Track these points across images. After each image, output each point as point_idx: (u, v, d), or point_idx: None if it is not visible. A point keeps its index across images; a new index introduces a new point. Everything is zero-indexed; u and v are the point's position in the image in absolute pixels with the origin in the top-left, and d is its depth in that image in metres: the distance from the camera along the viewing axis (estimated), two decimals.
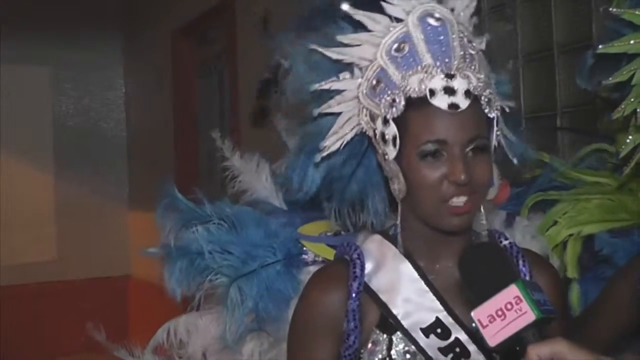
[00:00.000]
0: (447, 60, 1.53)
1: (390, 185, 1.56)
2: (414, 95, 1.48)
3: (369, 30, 1.60)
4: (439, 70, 1.50)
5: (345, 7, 1.62)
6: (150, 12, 5.90)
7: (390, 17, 1.58)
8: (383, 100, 1.53)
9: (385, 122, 1.52)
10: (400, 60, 1.54)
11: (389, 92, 1.53)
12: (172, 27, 5.42)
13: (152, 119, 5.96)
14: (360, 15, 1.60)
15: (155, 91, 5.85)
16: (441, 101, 1.46)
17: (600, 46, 1.85)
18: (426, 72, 1.50)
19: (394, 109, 1.50)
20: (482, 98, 1.51)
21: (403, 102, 1.49)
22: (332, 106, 1.61)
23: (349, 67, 1.62)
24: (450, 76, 1.49)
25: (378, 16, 1.59)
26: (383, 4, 1.56)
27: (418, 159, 1.49)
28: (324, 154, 1.61)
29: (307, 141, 1.66)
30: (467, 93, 1.48)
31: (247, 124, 4.35)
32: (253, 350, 1.87)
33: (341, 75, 1.61)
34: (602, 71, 1.88)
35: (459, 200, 1.47)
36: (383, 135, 1.53)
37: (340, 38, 1.62)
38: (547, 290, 1.54)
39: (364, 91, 1.58)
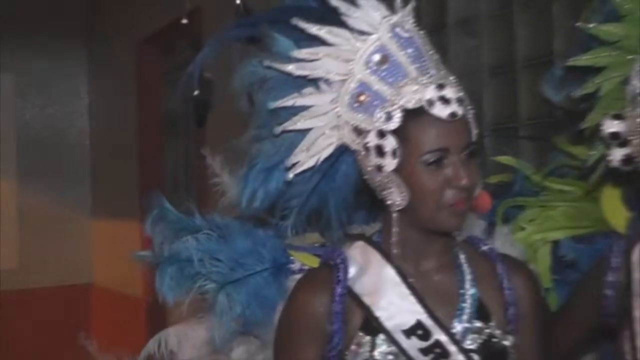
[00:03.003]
0: (430, 70, 1.58)
1: (384, 196, 1.60)
2: (410, 107, 1.52)
3: (328, 44, 1.62)
4: (429, 81, 1.55)
5: (299, 22, 1.64)
6: (116, 21, 5.92)
7: (350, 30, 1.61)
8: (376, 114, 1.56)
9: (382, 135, 1.55)
10: (385, 73, 1.58)
11: (381, 105, 1.56)
12: (137, 37, 5.44)
13: (116, 128, 5.98)
14: (317, 29, 1.63)
15: (120, 100, 5.86)
16: (440, 111, 1.51)
17: (569, 59, 1.90)
18: (417, 83, 1.54)
19: (392, 122, 1.53)
20: (467, 105, 1.58)
21: (400, 115, 1.53)
22: (297, 122, 1.63)
23: (310, 82, 1.63)
24: (441, 86, 1.54)
25: (337, 30, 1.62)
26: (345, 17, 1.59)
27: (422, 167, 1.54)
28: (298, 170, 1.64)
29: (259, 158, 1.69)
30: (459, 100, 1.54)
31: (212, 133, 4.40)
32: (241, 354, 1.89)
33: (304, 91, 1.63)
34: (570, 83, 1.93)
35: (460, 201, 1.54)
36: (379, 148, 1.55)
37: (297, 53, 1.64)
38: (523, 293, 1.66)
39: (344, 106, 1.61)
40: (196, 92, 2.72)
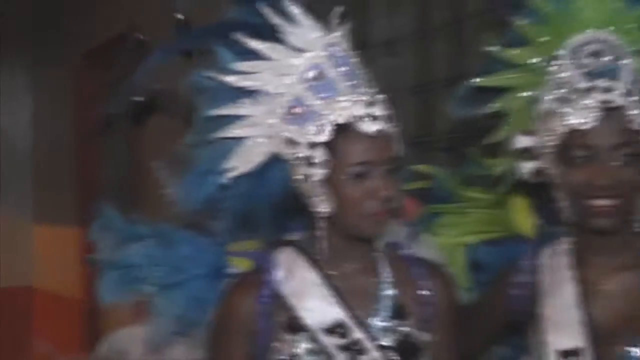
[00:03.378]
0: (361, 88, 1.68)
1: (311, 203, 1.69)
2: (340, 121, 1.62)
3: (267, 59, 1.71)
4: (359, 98, 1.65)
5: (240, 37, 1.73)
6: (58, 36, 6.05)
7: (288, 46, 1.70)
8: (308, 127, 1.66)
9: (312, 146, 1.64)
10: (318, 89, 1.68)
11: (314, 119, 1.65)
12: (79, 49, 5.60)
13: (57, 135, 6.12)
14: (257, 45, 1.72)
15: (61, 109, 6.01)
16: (368, 127, 1.61)
17: (476, 79, 1.99)
18: (348, 100, 1.65)
19: (322, 135, 1.64)
20: (392, 122, 1.68)
21: (330, 129, 1.63)
22: (233, 130, 1.72)
23: (248, 93, 1.72)
24: (370, 104, 1.65)
25: (276, 46, 1.71)
26: (283, 34, 1.69)
27: (347, 179, 1.64)
28: (232, 175, 1.73)
29: (197, 163, 1.78)
30: (385, 118, 1.65)
31: (152, 140, 4.48)
32: (180, 353, 1.96)
33: (242, 102, 1.72)
34: (478, 101, 2.01)
35: (380, 211, 1.65)
36: (309, 159, 1.65)
37: (237, 66, 1.73)
38: (440, 294, 1.81)
39: (278, 117, 1.70)
40: (137, 98, 2.78)
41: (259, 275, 1.75)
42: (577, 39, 1.84)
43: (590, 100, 1.76)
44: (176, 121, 1.89)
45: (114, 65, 5.19)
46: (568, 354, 1.80)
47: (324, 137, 1.65)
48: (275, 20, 1.73)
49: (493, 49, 1.98)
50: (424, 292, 1.79)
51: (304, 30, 1.72)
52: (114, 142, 5.39)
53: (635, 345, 1.75)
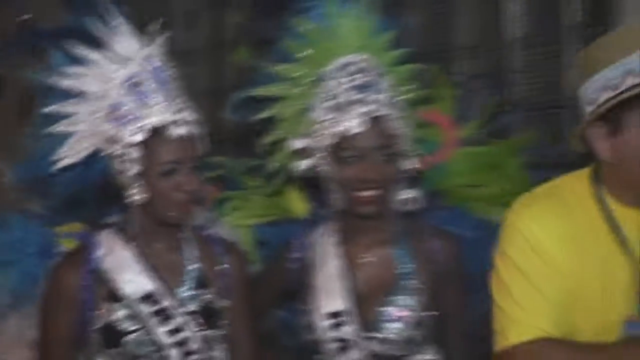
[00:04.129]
0: (173, 96, 1.89)
1: (128, 193, 1.87)
2: (154, 125, 1.81)
3: (94, 65, 1.87)
4: (170, 104, 1.84)
5: (73, 42, 1.87)
6: None
7: (112, 55, 1.87)
8: (126, 128, 1.83)
9: (129, 145, 1.82)
10: (137, 94, 1.85)
11: (131, 121, 1.83)
12: None
13: None
14: (86, 52, 1.88)
15: None
16: (177, 130, 1.82)
17: (252, 89, 2.16)
18: (161, 106, 1.84)
19: (138, 136, 1.82)
20: (197, 126, 1.91)
21: (145, 131, 1.82)
22: (63, 126, 1.87)
23: (77, 94, 1.87)
24: (180, 109, 1.86)
25: (102, 53, 1.88)
26: (108, 44, 1.86)
27: (159, 174, 1.84)
28: (61, 165, 1.88)
29: (33, 153, 1.92)
30: (192, 123, 1.87)
31: None
32: (14, 325, 2.10)
33: (71, 101, 1.87)
34: (254, 108, 2.19)
35: (185, 202, 1.89)
36: (125, 155, 1.83)
37: (67, 69, 1.88)
38: (234, 267, 2.01)
39: (101, 117, 1.87)
40: None
41: (83, 253, 1.92)
42: (343, 58, 2.08)
43: (357, 110, 1.99)
44: (15, 110, 2.00)
45: None
46: (334, 315, 2.04)
47: (139, 138, 1.84)
48: (101, 31, 1.88)
49: (265, 64, 2.16)
50: (223, 266, 1.99)
51: (126, 42, 1.88)
52: None
53: (388, 306, 2.03)
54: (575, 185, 1.84)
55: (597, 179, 1.82)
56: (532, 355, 1.75)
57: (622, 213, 1.78)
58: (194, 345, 1.90)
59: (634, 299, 1.76)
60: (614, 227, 1.77)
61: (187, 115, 1.90)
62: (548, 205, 1.81)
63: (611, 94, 1.71)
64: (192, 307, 1.92)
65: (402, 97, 2.16)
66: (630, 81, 1.69)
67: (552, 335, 1.74)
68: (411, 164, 2.09)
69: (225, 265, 2.00)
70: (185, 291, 1.93)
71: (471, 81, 3.33)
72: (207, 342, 1.94)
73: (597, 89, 1.75)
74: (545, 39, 3.46)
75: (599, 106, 1.73)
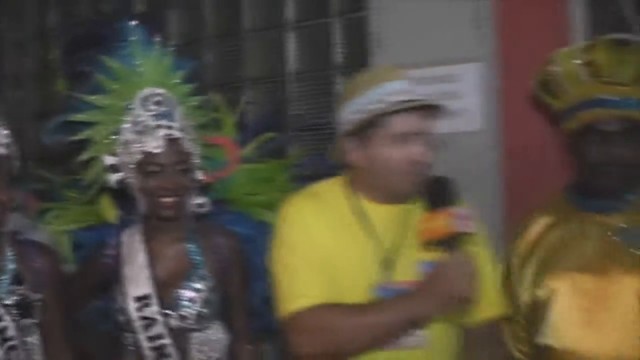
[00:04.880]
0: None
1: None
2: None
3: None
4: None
5: None
6: None
7: None
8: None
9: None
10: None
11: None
12: None
13: None
14: None
15: None
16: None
17: (66, 114, 2.35)
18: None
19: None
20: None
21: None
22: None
23: None
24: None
25: None
26: None
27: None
28: None
29: None
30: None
31: None
32: None
33: None
34: (70, 131, 2.39)
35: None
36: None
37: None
38: (47, 268, 2.14)
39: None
40: None
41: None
42: (144, 91, 2.31)
43: (158, 134, 2.23)
44: None
45: None
46: (141, 299, 2.25)
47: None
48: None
49: (80, 94, 2.35)
50: (34, 264, 2.13)
51: None
52: None
53: (183, 289, 2.27)
54: (331, 188, 2.21)
55: (351, 183, 2.18)
56: (310, 318, 2.01)
57: (374, 208, 2.14)
58: (10, 333, 2.02)
59: (378, 270, 2.10)
60: (362, 219, 2.13)
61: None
62: (310, 201, 2.16)
63: (362, 116, 2.07)
64: (8, 300, 2.05)
65: (193, 123, 2.43)
66: (374, 106, 2.06)
67: (325, 301, 2.02)
68: (201, 176, 2.38)
69: (38, 265, 2.14)
70: (3, 287, 2.06)
71: (253, 108, 3.66)
72: (22, 330, 2.05)
73: (352, 112, 2.10)
74: (317, 74, 3.83)
75: (353, 125, 2.09)
